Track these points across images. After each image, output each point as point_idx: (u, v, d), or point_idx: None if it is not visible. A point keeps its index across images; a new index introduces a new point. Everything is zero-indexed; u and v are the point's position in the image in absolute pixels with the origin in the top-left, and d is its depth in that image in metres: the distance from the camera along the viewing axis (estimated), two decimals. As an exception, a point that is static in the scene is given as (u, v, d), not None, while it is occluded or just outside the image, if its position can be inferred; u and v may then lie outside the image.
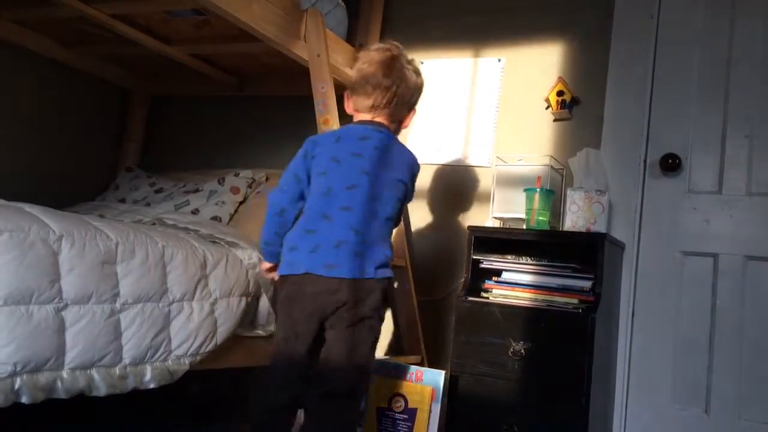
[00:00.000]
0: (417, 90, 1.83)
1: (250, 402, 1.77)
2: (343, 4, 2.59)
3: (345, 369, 1.66)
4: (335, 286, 1.63)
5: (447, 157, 2.60)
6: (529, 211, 2.16)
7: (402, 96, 1.77)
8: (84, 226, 1.68)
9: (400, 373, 2.03)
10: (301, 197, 1.78)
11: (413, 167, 1.81)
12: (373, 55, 1.79)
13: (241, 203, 2.67)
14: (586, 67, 2.43)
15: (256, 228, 2.51)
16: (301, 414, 2.39)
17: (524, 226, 2.18)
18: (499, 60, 2.58)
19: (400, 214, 1.83)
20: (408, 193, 1.81)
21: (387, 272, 1.71)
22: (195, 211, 2.58)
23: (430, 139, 2.64)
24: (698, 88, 2.31)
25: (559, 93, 2.39)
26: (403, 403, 2.00)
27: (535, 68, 2.50)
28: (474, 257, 2.17)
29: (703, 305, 2.20)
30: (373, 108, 1.77)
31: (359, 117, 1.82)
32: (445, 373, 2.01)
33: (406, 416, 1.98)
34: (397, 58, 1.78)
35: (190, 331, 1.91)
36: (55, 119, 2.96)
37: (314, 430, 1.66)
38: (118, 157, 3.22)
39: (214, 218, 2.54)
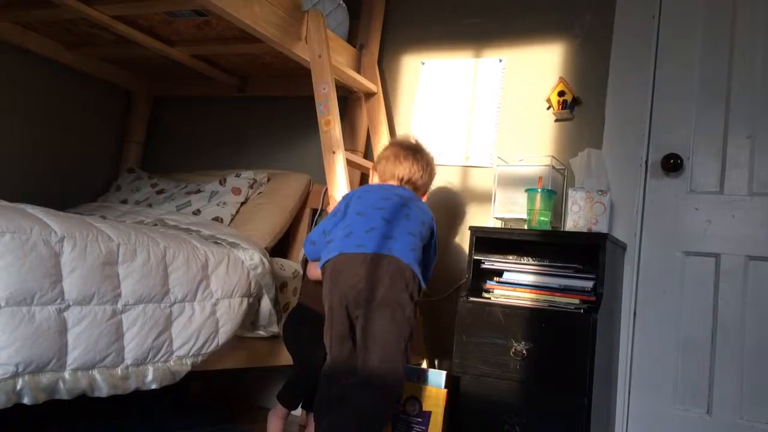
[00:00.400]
0: (433, 177, 2.10)
1: None
2: (344, 4, 2.60)
3: (359, 360, 1.72)
4: (359, 263, 1.74)
5: (448, 158, 2.60)
6: (530, 211, 2.16)
7: (425, 180, 2.04)
8: (86, 227, 1.68)
9: (413, 375, 2.02)
10: None
11: (432, 222, 1.96)
12: (403, 140, 2.09)
13: (242, 204, 2.67)
14: (587, 67, 2.42)
15: (257, 229, 2.52)
16: (303, 414, 2.40)
17: (526, 227, 2.18)
18: (500, 60, 2.58)
19: (426, 249, 1.93)
20: (434, 240, 1.96)
21: (415, 264, 1.78)
22: (196, 212, 2.58)
23: (431, 139, 2.64)
24: (700, 88, 2.30)
25: (561, 93, 2.39)
26: (417, 406, 1.99)
27: (536, 68, 2.50)
28: (475, 257, 2.17)
29: (705, 305, 2.19)
30: (400, 180, 2.00)
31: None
32: (447, 374, 2.01)
33: (420, 419, 1.98)
34: (423, 148, 2.06)
35: (192, 332, 1.91)
36: (58, 120, 2.97)
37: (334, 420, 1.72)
38: (120, 158, 3.22)
39: (216, 219, 2.54)
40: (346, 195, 1.99)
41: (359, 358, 1.73)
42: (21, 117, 2.82)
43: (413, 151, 2.01)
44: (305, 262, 2.24)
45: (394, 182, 2.01)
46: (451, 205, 2.57)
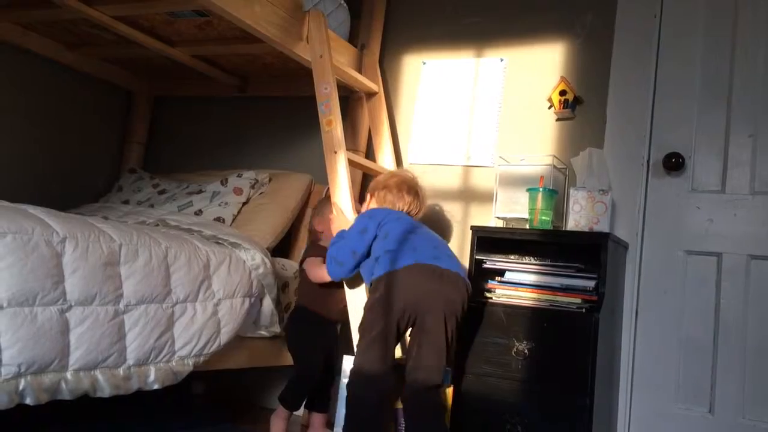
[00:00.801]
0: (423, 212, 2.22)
1: None
2: (345, 4, 2.60)
3: (428, 362, 1.89)
4: (437, 275, 1.88)
5: (449, 157, 2.60)
6: (532, 210, 2.16)
7: (419, 216, 2.15)
8: (87, 227, 1.69)
9: None
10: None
11: None
12: (405, 175, 2.19)
13: (244, 204, 2.67)
14: (588, 67, 2.42)
15: (258, 229, 2.52)
16: (306, 414, 2.39)
17: (527, 226, 2.18)
18: (502, 60, 2.58)
19: None
20: None
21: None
22: (198, 212, 2.58)
23: (432, 139, 2.64)
24: (701, 87, 2.30)
25: (562, 92, 2.38)
26: None
27: (538, 68, 2.50)
28: (477, 257, 2.16)
29: (707, 305, 2.19)
30: (400, 210, 2.09)
31: None
32: (452, 371, 2.01)
33: None
34: (420, 185, 2.18)
35: (194, 332, 1.91)
36: (59, 121, 2.97)
37: None
38: (121, 159, 3.22)
39: (217, 219, 2.54)
40: (374, 215, 2.02)
41: (432, 361, 1.84)
42: (22, 117, 2.82)
43: (415, 188, 2.15)
44: (302, 263, 2.25)
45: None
46: (452, 205, 2.56)
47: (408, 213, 2.12)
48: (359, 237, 1.96)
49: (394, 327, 1.83)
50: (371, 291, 1.90)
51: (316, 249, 2.24)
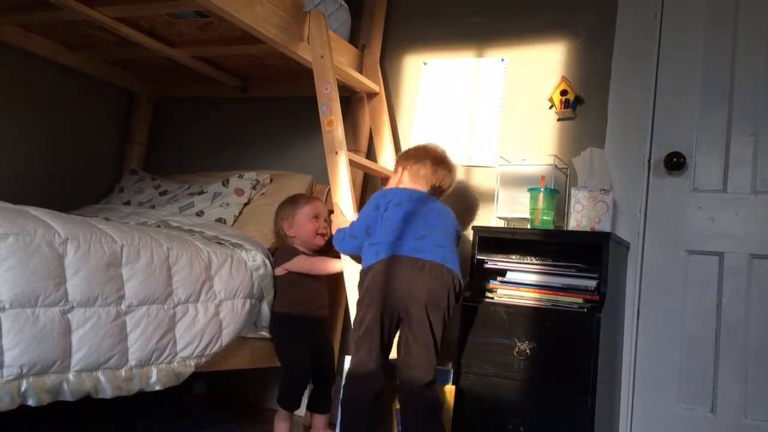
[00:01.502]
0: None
1: None
2: (345, 5, 2.60)
3: (419, 359, 1.88)
4: (418, 269, 1.84)
5: (451, 157, 2.59)
6: (533, 210, 2.16)
7: (450, 189, 2.15)
8: (89, 228, 1.69)
9: None
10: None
11: (458, 226, 2.07)
12: (438, 148, 2.15)
13: (245, 205, 2.68)
14: (589, 66, 2.42)
15: (260, 230, 2.52)
16: (308, 414, 2.39)
17: (528, 226, 2.18)
18: (503, 60, 2.58)
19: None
20: (459, 237, 2.09)
21: (460, 273, 1.91)
22: (199, 213, 2.58)
23: (433, 139, 2.63)
24: (702, 87, 2.30)
25: (563, 92, 2.38)
26: None
27: (539, 68, 2.50)
28: (478, 257, 2.17)
29: (709, 304, 2.19)
30: (432, 185, 2.08)
31: (414, 187, 2.06)
32: (454, 371, 2.01)
33: None
34: (451, 158, 2.16)
35: (195, 333, 1.91)
36: (60, 122, 2.97)
37: None
38: (122, 160, 3.23)
39: (219, 220, 2.55)
40: (384, 194, 2.02)
41: (422, 359, 1.82)
42: (23, 119, 2.82)
43: (448, 161, 2.13)
44: (275, 259, 2.24)
45: (424, 185, 2.07)
46: (453, 205, 2.55)
47: (440, 186, 2.10)
48: (374, 213, 1.97)
49: (378, 321, 1.83)
50: (358, 285, 1.92)
51: (292, 250, 2.26)
